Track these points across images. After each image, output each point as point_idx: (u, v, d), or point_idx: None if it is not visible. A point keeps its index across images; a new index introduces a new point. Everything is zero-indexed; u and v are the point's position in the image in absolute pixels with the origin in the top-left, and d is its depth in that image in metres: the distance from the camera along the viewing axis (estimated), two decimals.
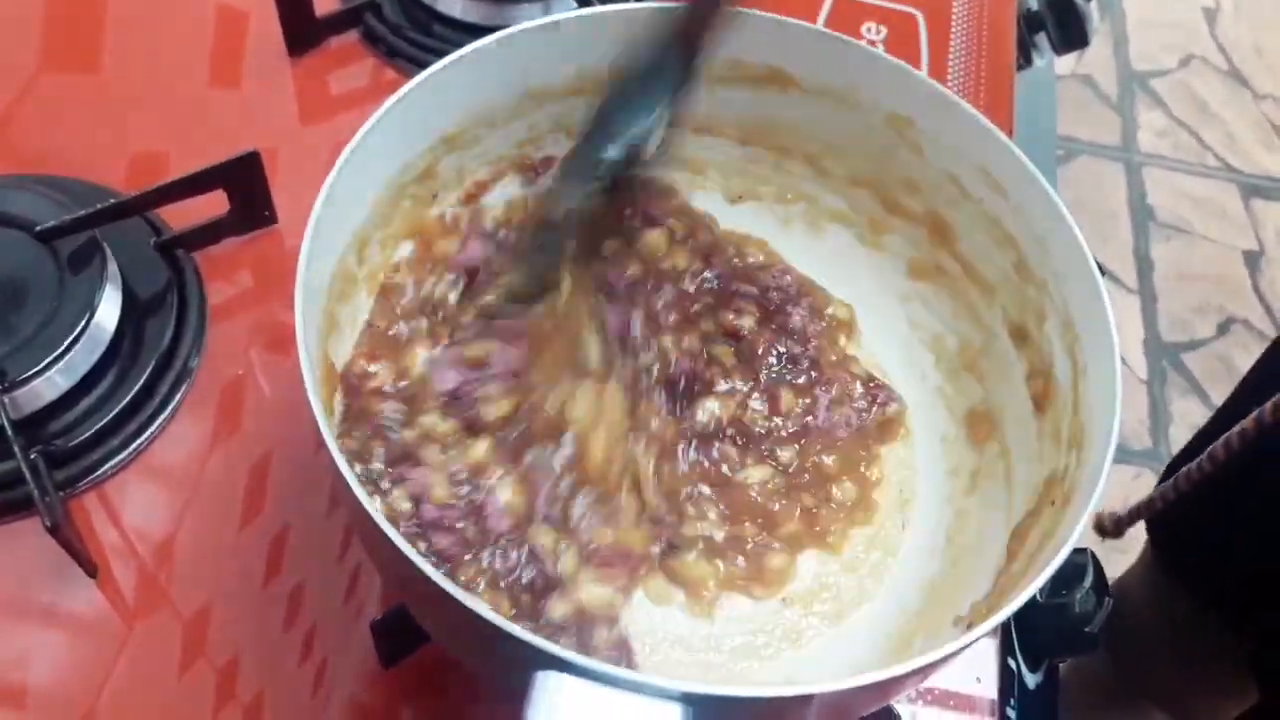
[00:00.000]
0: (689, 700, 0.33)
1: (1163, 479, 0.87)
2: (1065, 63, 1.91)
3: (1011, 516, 0.48)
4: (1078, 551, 0.59)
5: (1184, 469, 0.69)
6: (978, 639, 0.37)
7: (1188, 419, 1.65)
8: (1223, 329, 1.76)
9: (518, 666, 0.34)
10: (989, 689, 0.53)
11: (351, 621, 0.51)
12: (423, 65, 0.69)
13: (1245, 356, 1.71)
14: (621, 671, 0.33)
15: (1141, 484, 1.57)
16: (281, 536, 0.53)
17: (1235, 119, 2.02)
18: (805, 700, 0.36)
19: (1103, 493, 0.39)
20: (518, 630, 0.33)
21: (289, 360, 0.58)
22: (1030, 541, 0.44)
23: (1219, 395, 1.66)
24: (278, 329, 0.60)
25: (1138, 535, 0.84)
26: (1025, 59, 0.80)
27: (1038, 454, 0.47)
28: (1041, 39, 0.80)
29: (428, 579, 0.33)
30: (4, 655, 0.49)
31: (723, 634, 0.48)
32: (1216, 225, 1.88)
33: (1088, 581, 0.56)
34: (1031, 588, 0.37)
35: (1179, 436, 1.63)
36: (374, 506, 0.34)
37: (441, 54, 0.69)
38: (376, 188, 0.49)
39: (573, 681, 0.33)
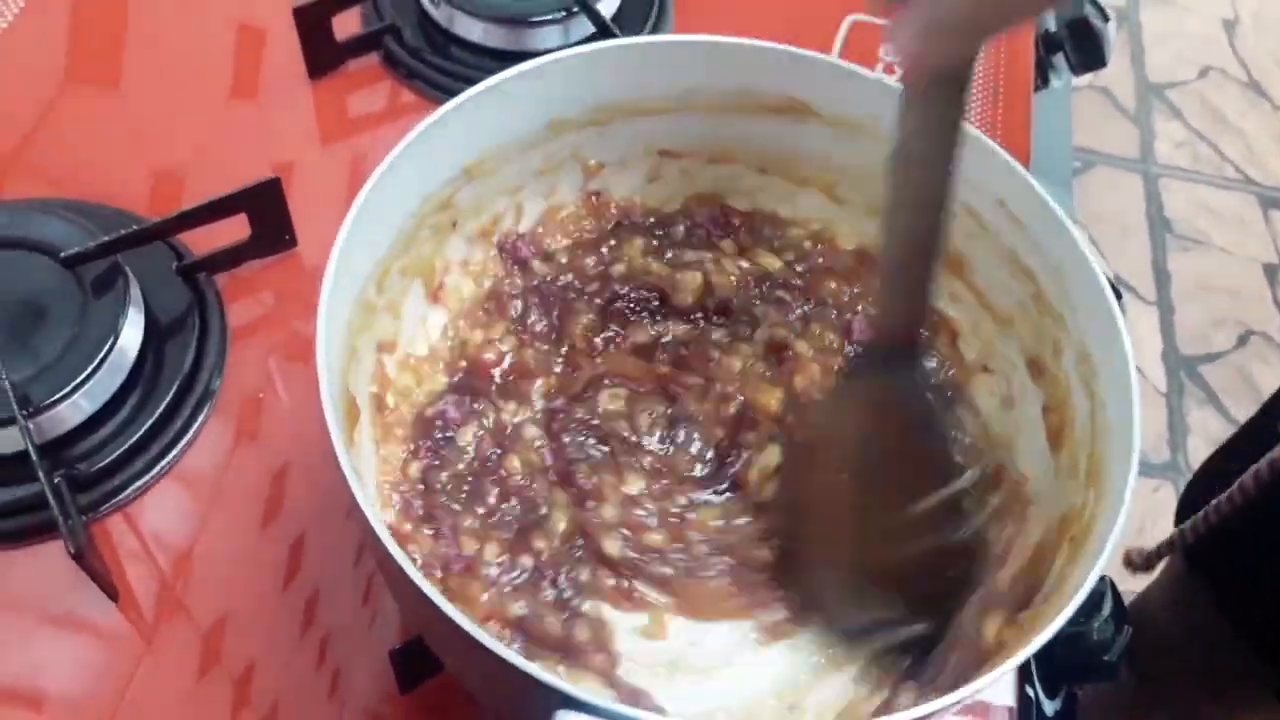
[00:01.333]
0: None
1: (1184, 495, 0.87)
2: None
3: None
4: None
5: (1213, 502, 0.69)
6: (999, 676, 0.37)
7: (1205, 431, 1.64)
8: (1242, 341, 1.75)
9: (537, 706, 0.34)
10: (1005, 717, 0.53)
11: (367, 628, 0.51)
12: (442, 88, 0.70)
13: (1264, 369, 1.70)
14: (643, 714, 0.33)
15: (1161, 497, 1.56)
16: (299, 543, 0.53)
17: (1254, 130, 2.00)
18: None
19: (1123, 529, 0.39)
20: (537, 671, 0.33)
21: (308, 368, 0.58)
22: (1048, 578, 0.43)
23: (1237, 407, 1.65)
24: (297, 339, 0.60)
25: None
26: (1042, 80, 0.79)
27: (1054, 488, 0.47)
28: (1059, 59, 0.80)
29: (448, 619, 0.34)
30: (25, 665, 0.49)
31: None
32: (1235, 237, 1.87)
33: (1106, 610, 0.56)
34: (1053, 626, 0.37)
35: (1196, 448, 1.62)
36: (397, 549, 0.34)
37: (460, 78, 0.70)
38: (398, 218, 0.49)
39: None
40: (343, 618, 0.52)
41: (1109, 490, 0.42)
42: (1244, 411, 1.64)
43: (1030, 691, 0.56)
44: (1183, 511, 0.83)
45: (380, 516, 0.35)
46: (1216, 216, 1.89)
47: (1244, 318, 1.77)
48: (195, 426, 0.57)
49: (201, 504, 0.55)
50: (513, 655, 0.33)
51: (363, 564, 0.53)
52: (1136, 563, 0.75)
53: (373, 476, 0.48)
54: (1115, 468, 0.42)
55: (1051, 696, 0.58)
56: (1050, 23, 0.79)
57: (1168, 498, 1.56)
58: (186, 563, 0.53)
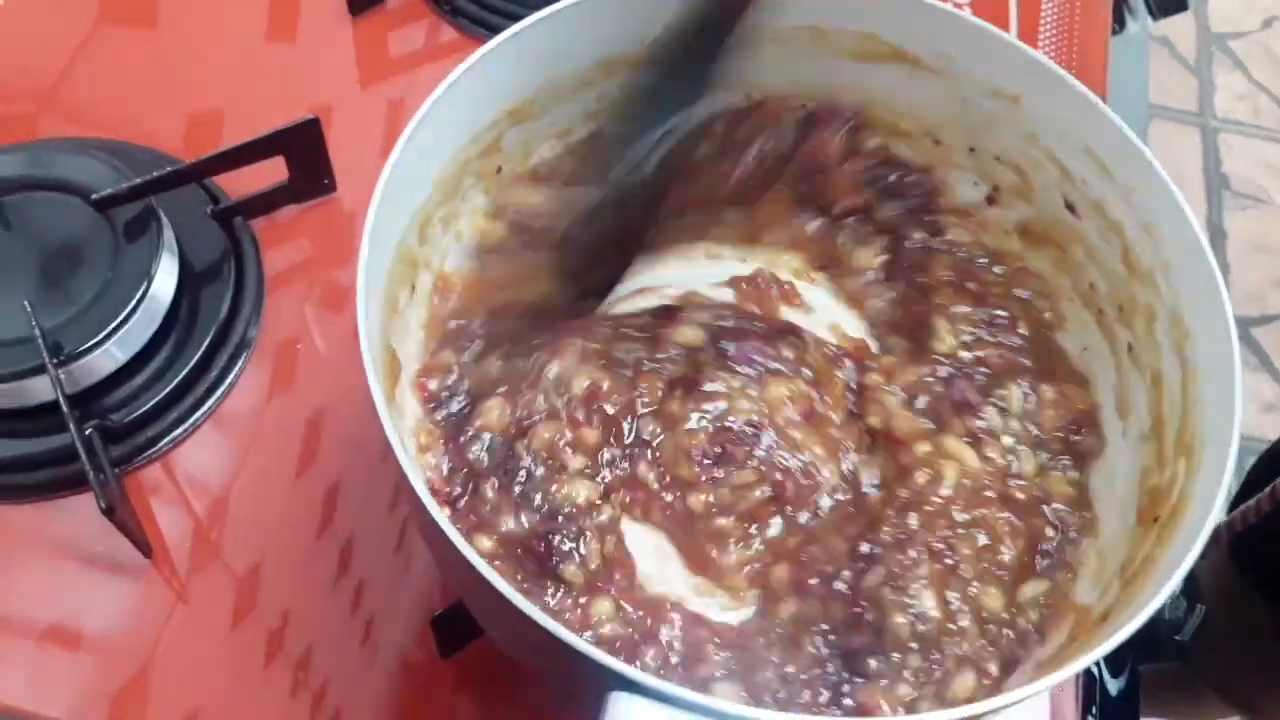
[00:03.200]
0: None
1: (1247, 477, 0.83)
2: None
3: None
4: None
5: (1268, 489, 0.66)
6: (1081, 669, 0.35)
7: (1259, 397, 1.59)
8: None
9: (588, 684, 0.32)
10: (1069, 696, 0.51)
11: (401, 573, 0.51)
12: (487, 26, 0.67)
13: None
14: (702, 697, 0.31)
15: None
16: (334, 490, 0.52)
17: None
18: None
19: (1223, 507, 0.36)
20: (594, 651, 0.31)
21: (345, 316, 0.56)
22: (1132, 561, 0.41)
23: None
24: (335, 288, 0.59)
25: None
26: (1119, 23, 0.75)
27: (1137, 463, 0.44)
28: (1137, 2, 0.76)
29: (499, 594, 0.31)
30: (63, 610, 0.49)
31: None
32: None
33: (1178, 588, 0.53)
34: (1147, 610, 0.34)
35: (1248, 417, 1.56)
36: (443, 517, 0.32)
37: (506, 14, 0.67)
38: (441, 164, 0.46)
39: (647, 705, 0.31)
40: (377, 563, 0.51)
41: (1205, 461, 0.39)
42: None
43: (1094, 670, 0.54)
44: (1244, 493, 0.79)
45: (424, 482, 0.33)
46: (1277, 173, 1.83)
47: None
48: (231, 376, 0.55)
49: (237, 452, 0.53)
50: (567, 633, 0.31)
51: (398, 510, 0.52)
52: None
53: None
54: (1212, 439, 0.39)
55: (1115, 675, 0.56)
56: None
57: None
58: (222, 511, 0.52)
